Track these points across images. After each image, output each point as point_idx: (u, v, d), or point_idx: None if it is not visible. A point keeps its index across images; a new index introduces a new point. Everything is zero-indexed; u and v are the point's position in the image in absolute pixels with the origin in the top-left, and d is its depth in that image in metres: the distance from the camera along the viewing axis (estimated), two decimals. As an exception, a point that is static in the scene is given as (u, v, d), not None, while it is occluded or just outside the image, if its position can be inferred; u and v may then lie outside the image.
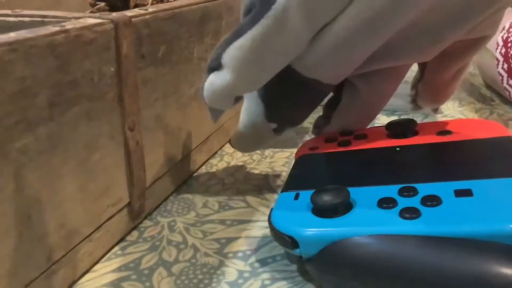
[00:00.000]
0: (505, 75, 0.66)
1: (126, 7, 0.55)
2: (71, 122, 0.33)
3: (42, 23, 0.36)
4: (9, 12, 0.38)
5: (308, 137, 0.62)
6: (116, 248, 0.41)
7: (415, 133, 0.43)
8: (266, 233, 0.41)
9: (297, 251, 0.34)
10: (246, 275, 0.37)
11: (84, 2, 0.59)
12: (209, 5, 0.50)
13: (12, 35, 0.28)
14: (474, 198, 0.31)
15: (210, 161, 0.57)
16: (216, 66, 0.37)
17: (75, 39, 0.32)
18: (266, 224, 0.36)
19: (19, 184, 0.29)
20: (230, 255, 0.40)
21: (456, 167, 0.36)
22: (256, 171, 0.54)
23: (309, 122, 0.57)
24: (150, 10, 0.41)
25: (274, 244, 0.37)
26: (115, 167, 0.39)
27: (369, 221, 0.32)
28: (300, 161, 0.43)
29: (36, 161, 0.30)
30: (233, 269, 0.38)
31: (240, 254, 0.40)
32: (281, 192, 0.38)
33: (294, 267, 0.38)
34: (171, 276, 0.37)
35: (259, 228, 0.43)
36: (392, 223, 0.31)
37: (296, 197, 0.36)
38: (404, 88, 0.49)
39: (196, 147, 0.53)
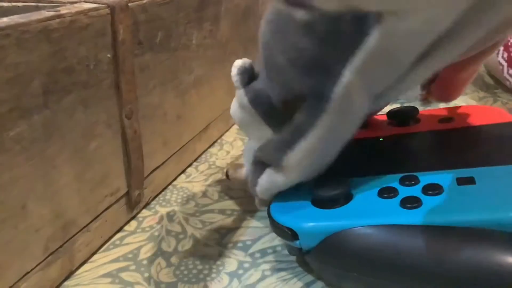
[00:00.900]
0: (505, 64, 0.65)
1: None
2: (66, 110, 0.32)
3: (37, 8, 0.35)
4: (2, -4, 0.37)
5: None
6: (114, 238, 0.40)
7: (417, 121, 0.42)
8: (266, 223, 0.41)
9: (296, 243, 0.33)
10: (246, 265, 0.37)
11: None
12: (208, -10, 0.49)
13: (4, 20, 0.27)
14: (476, 186, 0.30)
15: (209, 150, 0.56)
16: (273, 167, 0.35)
17: (70, 24, 0.31)
18: (266, 214, 0.35)
19: (14, 173, 0.29)
20: (230, 245, 0.39)
21: (458, 154, 0.35)
22: (256, 160, 0.53)
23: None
24: (148, -5, 0.40)
25: (274, 234, 0.37)
26: (113, 156, 0.38)
27: (369, 211, 0.31)
28: None
29: (31, 150, 0.30)
30: (233, 259, 0.37)
31: (240, 244, 0.39)
32: None
33: (294, 257, 0.37)
34: (170, 266, 0.37)
35: (259, 218, 0.42)
36: (393, 213, 0.31)
37: (295, 188, 0.36)
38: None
39: (196, 135, 0.52)
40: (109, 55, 0.35)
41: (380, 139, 0.40)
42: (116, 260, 0.37)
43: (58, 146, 0.32)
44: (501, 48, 0.65)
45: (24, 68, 0.28)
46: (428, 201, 0.30)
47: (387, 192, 0.32)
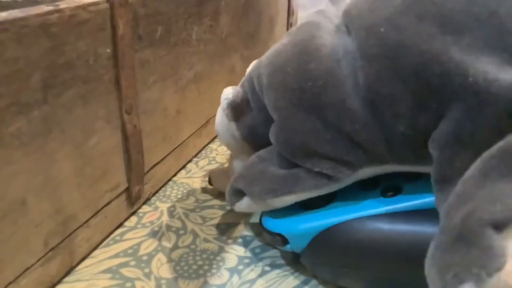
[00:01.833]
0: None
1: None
2: (66, 105, 0.32)
3: (35, 3, 0.34)
4: (1, -9, 0.37)
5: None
6: (115, 234, 0.40)
7: None
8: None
9: (288, 247, 0.33)
10: (246, 261, 0.37)
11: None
12: (208, -15, 0.49)
13: (2, 15, 0.27)
14: None
15: (209, 145, 0.56)
16: (254, 199, 0.35)
17: (69, 19, 0.31)
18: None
19: (13, 168, 0.29)
20: (230, 241, 0.39)
21: None
22: (256, 156, 0.53)
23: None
24: (147, -11, 0.40)
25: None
26: (113, 151, 0.38)
27: (352, 205, 0.32)
28: None
29: (30, 145, 0.29)
30: (233, 255, 0.37)
31: (240, 240, 0.39)
32: None
33: (294, 253, 0.37)
34: (171, 262, 0.36)
35: (259, 214, 0.42)
36: (375, 204, 0.31)
37: None
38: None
39: (196, 131, 0.52)
40: (108, 50, 0.35)
41: None
42: (116, 255, 0.37)
43: (58, 141, 0.32)
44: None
45: (23, 63, 0.28)
46: (408, 187, 0.30)
47: (369, 184, 0.32)
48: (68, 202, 0.34)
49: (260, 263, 0.36)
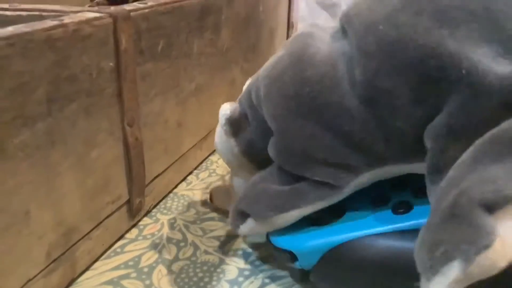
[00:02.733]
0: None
1: (125, 1, 0.55)
2: (69, 117, 0.32)
3: (40, 17, 0.35)
4: (6, 6, 0.38)
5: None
6: (116, 245, 0.40)
7: None
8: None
9: (297, 264, 0.33)
10: (246, 273, 0.37)
11: (82, -3, 0.58)
12: (209, -1, 0.49)
13: (9, 29, 0.28)
14: None
15: (210, 157, 0.56)
16: (257, 219, 0.34)
17: (73, 33, 0.31)
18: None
19: (17, 180, 0.29)
20: (231, 253, 0.39)
21: None
22: (256, 168, 0.54)
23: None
24: (149, 4, 0.40)
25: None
26: (114, 163, 0.38)
27: (363, 222, 0.31)
28: None
29: (34, 157, 0.30)
30: (233, 267, 0.37)
31: (240, 252, 0.39)
32: None
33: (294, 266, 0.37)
34: (171, 274, 0.37)
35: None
36: (386, 221, 0.31)
37: None
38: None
39: (196, 143, 0.53)
40: (111, 64, 0.36)
41: None
42: (117, 267, 0.37)
43: (61, 154, 0.32)
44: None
45: (28, 76, 0.28)
46: (419, 204, 0.30)
47: (379, 200, 0.32)
48: (70, 214, 0.34)
49: (260, 275, 0.36)
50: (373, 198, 0.32)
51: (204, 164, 0.55)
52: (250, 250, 0.39)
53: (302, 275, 0.36)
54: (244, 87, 0.38)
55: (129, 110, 0.38)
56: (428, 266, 0.23)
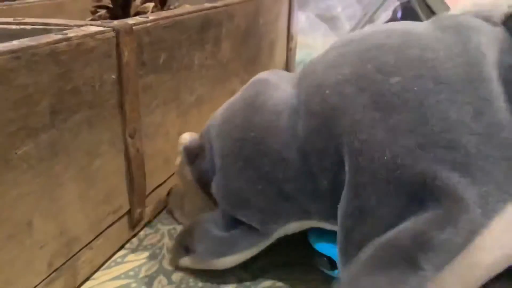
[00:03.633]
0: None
1: (127, 14, 0.56)
2: (72, 129, 0.33)
3: (45, 31, 0.36)
4: (11, 20, 0.38)
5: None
6: (116, 256, 0.40)
7: None
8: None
9: (335, 273, 0.33)
10: (246, 283, 0.37)
11: (85, 9, 0.59)
12: (209, 12, 0.50)
13: (15, 43, 0.28)
14: None
15: (210, 168, 0.57)
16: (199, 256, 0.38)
17: (77, 47, 0.32)
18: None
19: (21, 191, 0.29)
20: (231, 262, 0.39)
21: None
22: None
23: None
24: (151, 18, 0.41)
25: (275, 251, 0.37)
26: (116, 174, 0.39)
27: None
28: None
29: (37, 168, 0.30)
30: (233, 277, 0.38)
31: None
32: None
33: (295, 275, 0.37)
34: (171, 284, 0.37)
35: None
36: None
37: None
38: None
39: (196, 154, 0.53)
40: (114, 76, 0.36)
41: None
42: (117, 277, 0.38)
43: (64, 165, 0.33)
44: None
45: (33, 89, 0.29)
46: None
47: None
48: (72, 224, 0.34)
49: (260, 285, 0.37)
50: None
51: (204, 175, 0.55)
52: (250, 259, 0.39)
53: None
54: (208, 121, 0.41)
55: (131, 122, 0.39)
56: None
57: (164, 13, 0.44)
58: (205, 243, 0.36)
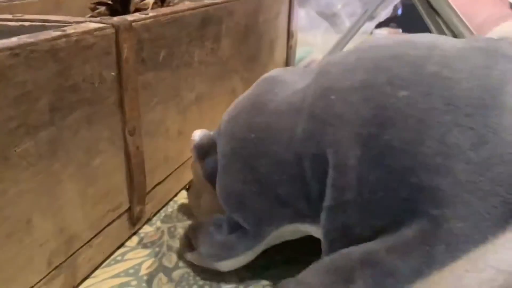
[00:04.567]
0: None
1: (127, 11, 0.55)
2: (71, 126, 0.33)
3: (43, 28, 0.36)
4: (10, 16, 0.38)
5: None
6: (116, 253, 0.40)
7: None
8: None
9: None
10: (246, 280, 0.37)
11: (84, 6, 0.59)
12: (209, 9, 0.50)
13: (13, 40, 0.28)
14: None
15: (210, 166, 0.57)
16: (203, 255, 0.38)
17: (76, 43, 0.32)
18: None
19: (20, 188, 0.29)
20: (231, 260, 0.39)
21: None
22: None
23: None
24: (151, 14, 0.41)
25: (275, 250, 0.37)
26: (115, 172, 0.39)
27: None
28: None
29: (36, 166, 0.30)
30: (233, 274, 0.37)
31: (240, 260, 0.39)
32: None
33: (295, 273, 0.37)
34: (171, 282, 0.37)
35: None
36: None
37: None
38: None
39: (196, 151, 0.53)
40: (113, 73, 0.36)
41: None
42: (117, 275, 0.38)
43: (63, 162, 0.32)
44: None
45: (32, 86, 0.29)
46: None
47: None
48: (72, 222, 0.34)
49: (260, 283, 0.37)
50: None
51: (204, 172, 0.55)
52: (250, 258, 0.39)
53: None
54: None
55: (131, 119, 0.39)
56: None
57: (164, 10, 0.44)
58: (207, 246, 0.36)
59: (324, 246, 0.30)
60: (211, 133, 0.40)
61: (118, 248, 0.41)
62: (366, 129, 0.28)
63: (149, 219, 0.45)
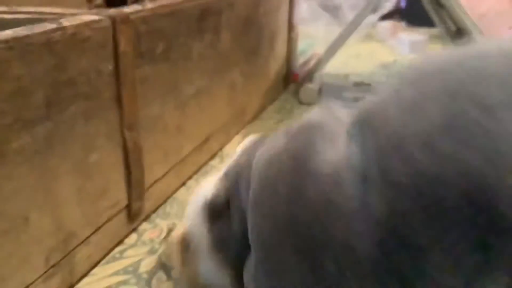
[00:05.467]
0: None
1: (124, 3, 0.54)
2: (68, 121, 0.32)
3: (39, 20, 0.35)
4: (5, 9, 0.37)
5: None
6: (115, 251, 0.40)
7: None
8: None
9: None
10: (247, 278, 0.36)
11: (81, 0, 0.58)
12: (209, 1, 0.49)
13: (8, 33, 0.27)
14: None
15: (210, 162, 0.56)
16: None
17: (72, 36, 0.31)
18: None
19: (16, 184, 0.29)
20: (231, 257, 0.39)
21: None
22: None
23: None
24: (149, 6, 0.40)
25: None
26: (113, 168, 0.38)
27: None
28: None
29: (33, 162, 0.29)
30: (234, 272, 0.37)
31: (241, 257, 0.39)
32: None
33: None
34: (171, 280, 0.36)
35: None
36: None
37: None
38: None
39: (196, 147, 0.52)
40: (110, 67, 0.35)
41: None
42: (116, 273, 0.37)
43: (60, 158, 0.32)
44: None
45: (27, 80, 0.28)
46: None
47: None
48: (69, 219, 0.34)
49: (262, 281, 0.36)
50: None
51: (204, 168, 0.54)
52: (250, 255, 0.39)
53: None
54: (239, 149, 0.32)
55: (128, 114, 0.38)
56: None
57: (162, 1, 0.43)
58: None
59: None
60: (225, 184, 0.30)
61: (117, 245, 0.40)
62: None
63: (148, 216, 0.44)
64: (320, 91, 0.78)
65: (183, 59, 0.46)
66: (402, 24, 1.28)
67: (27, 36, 0.28)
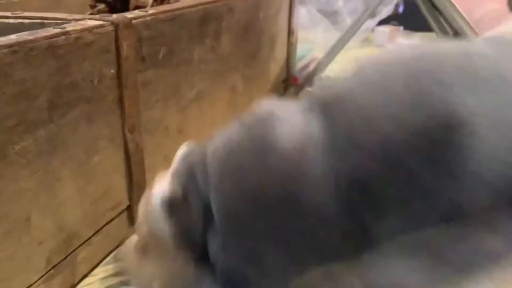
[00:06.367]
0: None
1: (126, 8, 0.55)
2: (70, 124, 0.33)
3: (42, 25, 0.35)
4: (9, 14, 0.38)
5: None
6: (116, 252, 0.40)
7: None
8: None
9: None
10: (247, 279, 0.37)
11: (84, 3, 0.59)
12: (209, 6, 0.50)
13: (12, 37, 0.28)
14: None
15: (210, 163, 0.56)
16: None
17: (75, 41, 0.32)
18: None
19: (19, 186, 0.29)
20: (231, 259, 0.39)
21: None
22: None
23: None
24: (150, 11, 0.41)
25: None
26: (115, 170, 0.38)
27: None
28: None
29: (35, 164, 0.30)
30: (233, 273, 0.37)
31: (240, 258, 0.39)
32: None
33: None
34: None
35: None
36: None
37: None
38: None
39: (196, 149, 0.53)
40: (112, 71, 0.36)
41: None
42: (117, 274, 0.37)
43: (62, 160, 0.32)
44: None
45: (31, 83, 0.29)
46: None
47: None
48: (71, 220, 0.34)
49: (260, 282, 0.36)
50: None
51: (204, 170, 0.55)
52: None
53: None
54: (179, 153, 0.32)
55: (130, 117, 0.38)
56: None
57: (163, 7, 0.43)
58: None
59: None
60: (180, 180, 0.30)
61: (118, 246, 0.41)
62: None
63: (148, 217, 0.45)
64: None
65: (184, 63, 0.47)
66: (400, 29, 1.29)
67: (31, 41, 0.28)
